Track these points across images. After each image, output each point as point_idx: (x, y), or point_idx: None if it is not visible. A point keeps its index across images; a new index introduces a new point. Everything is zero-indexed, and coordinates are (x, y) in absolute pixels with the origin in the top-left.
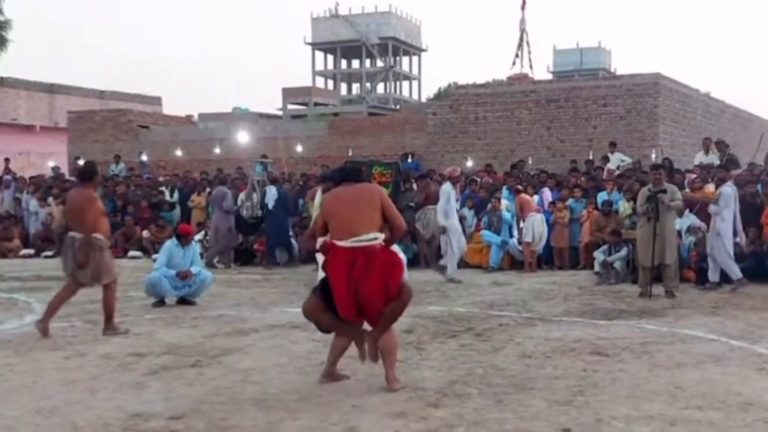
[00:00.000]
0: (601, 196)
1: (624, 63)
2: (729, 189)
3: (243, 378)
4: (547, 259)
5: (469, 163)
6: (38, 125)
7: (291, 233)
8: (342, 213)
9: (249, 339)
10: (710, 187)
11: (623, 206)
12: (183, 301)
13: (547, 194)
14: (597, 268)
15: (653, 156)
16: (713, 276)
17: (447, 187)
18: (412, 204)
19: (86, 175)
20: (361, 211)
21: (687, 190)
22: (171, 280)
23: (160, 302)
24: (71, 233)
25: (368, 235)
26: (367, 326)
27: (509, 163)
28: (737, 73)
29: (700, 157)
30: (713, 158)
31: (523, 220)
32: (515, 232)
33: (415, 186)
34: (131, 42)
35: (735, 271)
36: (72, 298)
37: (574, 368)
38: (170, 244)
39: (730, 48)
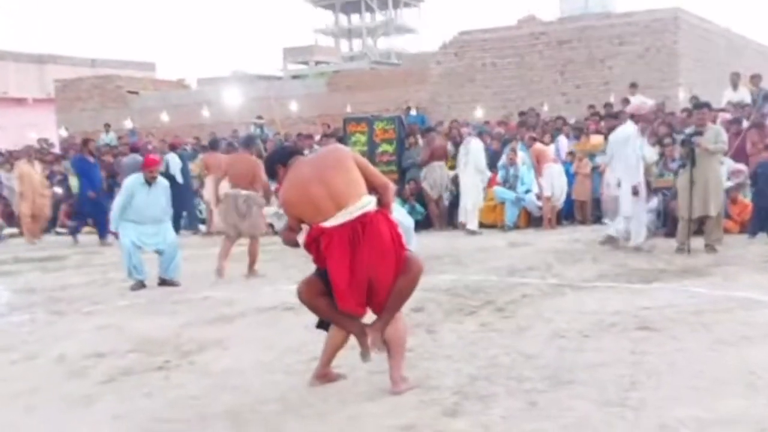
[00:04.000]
0: None
1: (632, 6)
2: (620, 133)
3: (217, 383)
4: (566, 214)
5: (479, 113)
6: (30, 97)
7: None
8: (314, 194)
9: (233, 328)
10: (596, 138)
11: (649, 152)
12: (165, 282)
13: (563, 143)
14: None
15: (681, 96)
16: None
17: (628, 128)
18: (414, 161)
19: (249, 143)
20: (337, 179)
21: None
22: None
23: (140, 284)
24: (232, 190)
25: (358, 203)
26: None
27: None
28: (756, 6)
29: (729, 95)
30: (744, 94)
31: (540, 173)
32: (533, 186)
33: (420, 141)
34: (124, 7)
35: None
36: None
37: (620, 350)
38: (135, 181)
39: None
